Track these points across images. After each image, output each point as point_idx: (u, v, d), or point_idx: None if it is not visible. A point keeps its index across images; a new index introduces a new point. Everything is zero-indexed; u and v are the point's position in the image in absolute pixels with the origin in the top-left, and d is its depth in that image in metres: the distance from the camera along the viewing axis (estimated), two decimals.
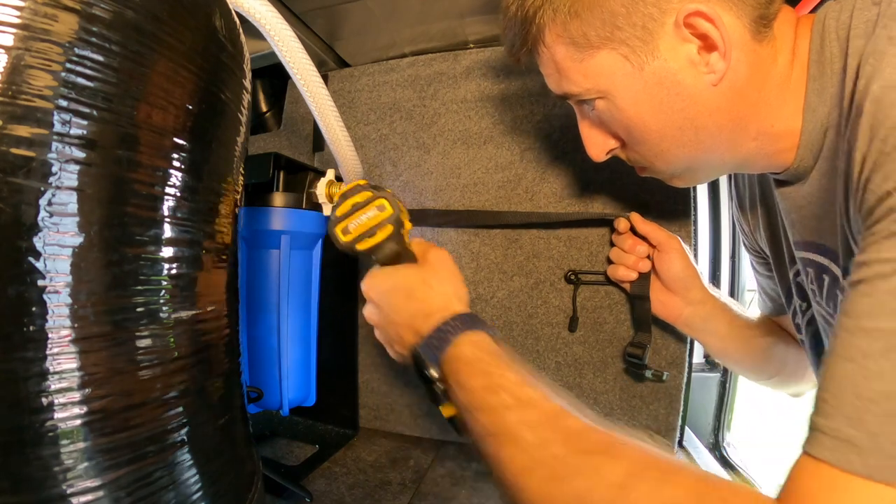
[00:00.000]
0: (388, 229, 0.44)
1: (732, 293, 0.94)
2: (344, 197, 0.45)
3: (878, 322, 0.24)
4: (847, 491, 0.23)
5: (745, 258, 0.90)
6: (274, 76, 0.87)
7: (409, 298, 0.44)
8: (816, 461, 0.25)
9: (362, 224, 0.44)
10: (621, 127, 0.43)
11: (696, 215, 0.66)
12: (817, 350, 0.48)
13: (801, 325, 0.50)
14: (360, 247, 0.44)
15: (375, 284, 0.46)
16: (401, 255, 0.46)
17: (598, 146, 0.47)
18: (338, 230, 0.44)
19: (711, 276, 0.94)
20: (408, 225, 0.46)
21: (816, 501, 0.24)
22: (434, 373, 0.40)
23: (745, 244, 0.62)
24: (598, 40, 0.38)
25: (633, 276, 0.62)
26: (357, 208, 0.44)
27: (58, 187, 0.24)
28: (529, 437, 0.32)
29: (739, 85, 0.38)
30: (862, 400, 0.24)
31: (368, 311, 0.48)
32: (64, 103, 0.24)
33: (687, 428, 0.71)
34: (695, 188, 0.66)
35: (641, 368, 0.63)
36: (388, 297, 0.45)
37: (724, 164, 0.44)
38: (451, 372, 0.39)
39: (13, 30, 0.22)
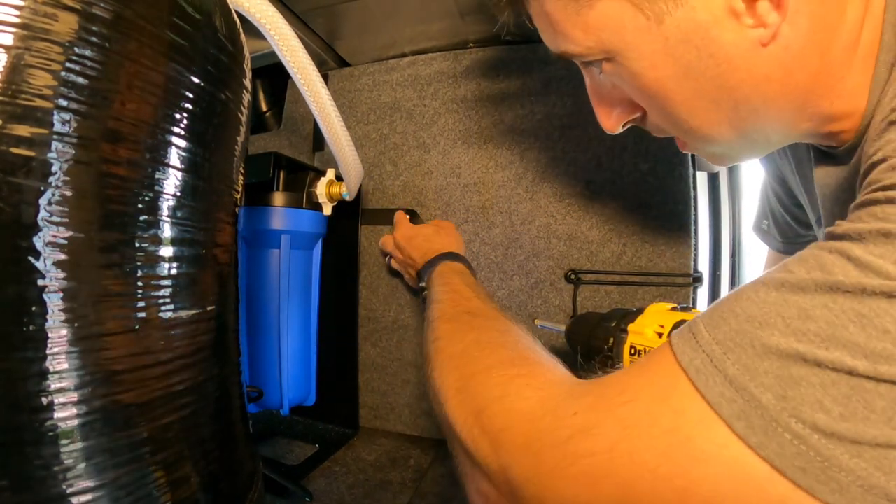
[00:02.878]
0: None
1: None
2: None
3: (798, 266, 0.22)
4: (669, 376, 0.24)
5: (746, 258, 0.90)
6: (274, 76, 0.87)
7: (427, 240, 0.65)
8: (667, 344, 0.25)
9: None
10: (637, 94, 0.34)
11: (696, 215, 0.66)
12: None
13: None
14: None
15: (401, 232, 0.68)
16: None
17: (611, 116, 0.38)
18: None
19: (711, 275, 0.94)
20: None
21: (644, 373, 0.25)
22: (423, 283, 0.57)
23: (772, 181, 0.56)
24: None
25: None
26: None
27: (58, 187, 0.24)
28: (448, 311, 0.45)
29: (797, 46, 0.28)
30: (732, 311, 0.23)
31: (393, 247, 0.69)
32: (64, 103, 0.24)
33: None
34: (695, 187, 0.66)
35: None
36: (414, 238, 0.66)
37: (770, 145, 0.36)
38: (432, 280, 0.55)
39: (13, 29, 0.22)
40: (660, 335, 0.38)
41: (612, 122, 0.39)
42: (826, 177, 0.36)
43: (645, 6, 0.29)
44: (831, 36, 0.28)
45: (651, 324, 0.38)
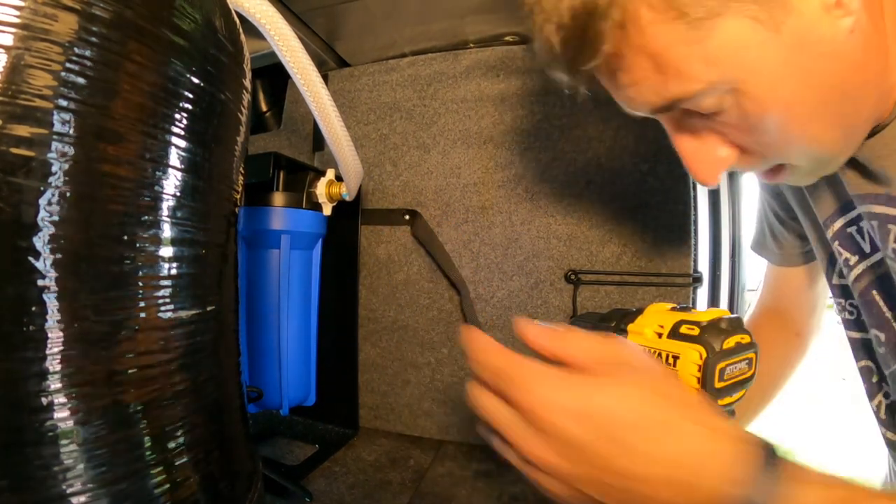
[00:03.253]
0: (743, 393, 0.34)
1: (732, 293, 0.94)
2: (731, 326, 0.33)
3: None
4: None
5: (746, 258, 0.90)
6: (274, 76, 0.87)
7: (668, 433, 0.26)
8: None
9: (733, 376, 0.32)
10: (750, 128, 0.31)
11: (696, 215, 0.66)
12: (890, 296, 0.39)
13: (846, 283, 0.43)
14: (721, 403, 0.33)
15: (588, 413, 0.26)
16: None
17: (715, 165, 0.34)
18: (717, 369, 0.31)
19: (711, 276, 0.94)
20: None
21: None
22: None
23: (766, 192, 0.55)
24: (718, 2, 0.27)
25: None
26: (739, 351, 0.33)
27: (57, 187, 0.24)
28: None
29: (870, 27, 0.28)
30: None
31: (555, 460, 0.27)
32: (64, 103, 0.24)
33: None
34: (695, 188, 0.66)
35: None
36: (625, 433, 0.26)
37: (856, 141, 0.34)
38: None
39: (13, 29, 0.22)
40: (659, 335, 0.34)
41: (714, 171, 0.35)
42: (883, 147, 0.34)
43: (763, 17, 0.27)
44: (881, 9, 0.29)
45: (651, 324, 0.38)
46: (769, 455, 0.25)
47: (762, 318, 0.61)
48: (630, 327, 0.38)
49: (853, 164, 0.37)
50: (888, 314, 0.39)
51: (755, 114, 0.30)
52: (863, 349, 0.44)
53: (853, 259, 0.41)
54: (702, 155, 0.34)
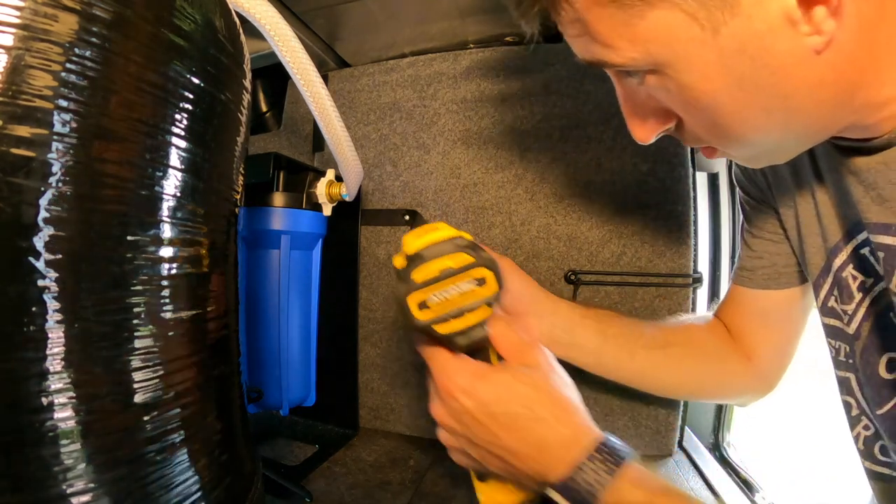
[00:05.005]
0: (485, 312, 0.34)
1: None
2: (429, 254, 0.33)
3: None
4: None
5: None
6: (274, 76, 0.87)
7: (537, 421, 0.35)
8: None
9: (451, 300, 0.33)
10: (682, 105, 0.32)
11: (696, 215, 0.66)
12: (882, 327, 0.39)
13: (837, 326, 0.42)
14: (442, 330, 0.33)
15: (474, 394, 0.35)
16: (487, 346, 0.36)
17: (645, 127, 0.36)
18: (412, 302, 0.32)
19: (711, 276, 0.94)
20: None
21: None
22: None
23: (746, 207, 0.53)
24: None
25: None
26: (447, 275, 0.32)
27: (58, 187, 0.24)
28: None
29: (849, 48, 0.27)
30: None
31: (450, 422, 0.37)
32: (64, 103, 0.24)
33: (687, 428, 0.71)
34: (695, 188, 0.66)
35: None
36: (505, 417, 0.35)
37: (810, 144, 0.35)
38: None
39: (13, 30, 0.22)
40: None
41: (645, 133, 0.36)
42: (872, 163, 0.34)
43: (700, 16, 0.27)
44: (877, 27, 0.28)
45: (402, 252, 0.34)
46: (613, 454, 0.33)
47: (712, 326, 0.57)
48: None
49: (863, 183, 0.35)
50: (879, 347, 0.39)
51: (679, 97, 0.31)
52: (843, 385, 0.44)
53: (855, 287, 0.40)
54: (639, 115, 0.36)
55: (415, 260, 0.33)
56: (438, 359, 0.37)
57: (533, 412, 0.35)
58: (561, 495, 0.34)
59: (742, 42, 0.27)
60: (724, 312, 0.57)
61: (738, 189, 0.54)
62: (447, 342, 0.35)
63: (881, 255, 0.35)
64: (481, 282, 0.33)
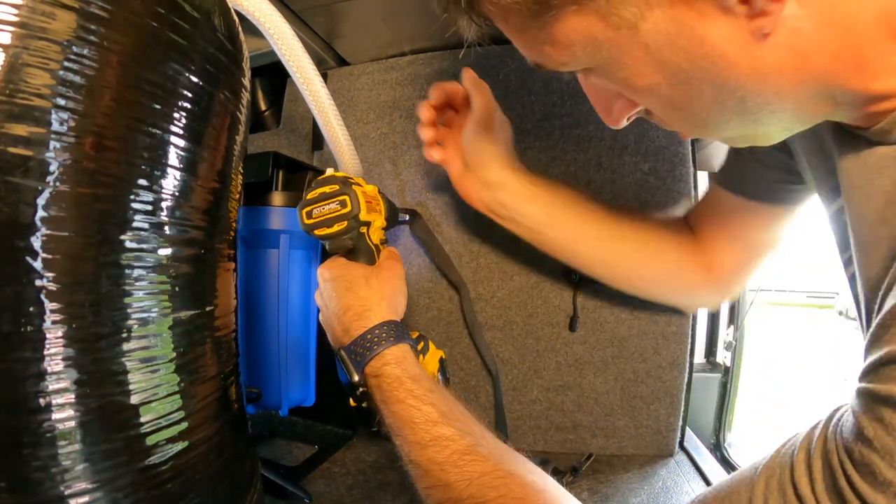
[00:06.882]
0: (343, 225, 0.47)
1: None
2: (318, 184, 0.48)
3: None
4: None
5: None
6: (273, 74, 0.87)
7: (348, 290, 0.45)
8: None
9: (323, 213, 0.47)
10: (634, 97, 0.32)
11: None
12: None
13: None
14: (317, 233, 0.48)
15: (326, 269, 0.48)
16: (356, 252, 0.49)
17: (612, 115, 0.35)
18: (303, 212, 0.48)
19: None
20: (377, 224, 0.51)
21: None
22: (357, 378, 0.43)
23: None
24: None
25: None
26: (324, 198, 0.47)
27: (55, 186, 0.23)
28: (437, 474, 0.35)
29: (811, 28, 0.25)
30: None
31: (317, 294, 0.49)
32: (62, 102, 0.23)
33: (688, 428, 0.71)
34: (695, 188, 0.66)
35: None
36: (333, 283, 0.46)
37: (790, 130, 0.33)
38: (374, 385, 0.41)
39: (11, 28, 0.22)
40: None
41: (612, 119, 0.35)
42: (856, 163, 0.30)
43: (611, 17, 0.26)
44: (856, 8, 0.24)
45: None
46: (394, 335, 0.42)
47: (677, 230, 0.55)
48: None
49: None
50: None
51: (629, 91, 0.31)
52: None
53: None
54: (602, 102, 0.35)
55: (311, 187, 0.48)
56: (327, 261, 0.49)
57: (350, 287, 0.45)
58: (347, 356, 0.43)
59: (668, 34, 0.26)
60: (697, 216, 0.54)
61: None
62: (326, 245, 0.50)
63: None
64: (343, 204, 0.47)
